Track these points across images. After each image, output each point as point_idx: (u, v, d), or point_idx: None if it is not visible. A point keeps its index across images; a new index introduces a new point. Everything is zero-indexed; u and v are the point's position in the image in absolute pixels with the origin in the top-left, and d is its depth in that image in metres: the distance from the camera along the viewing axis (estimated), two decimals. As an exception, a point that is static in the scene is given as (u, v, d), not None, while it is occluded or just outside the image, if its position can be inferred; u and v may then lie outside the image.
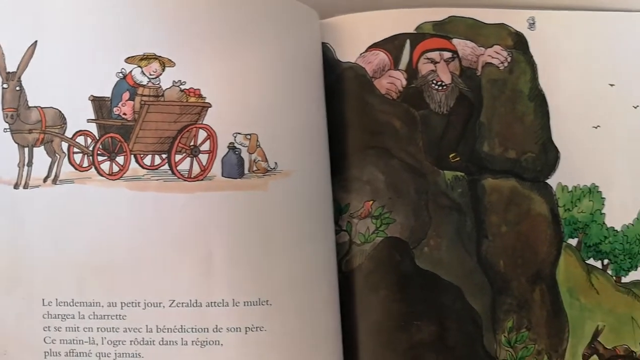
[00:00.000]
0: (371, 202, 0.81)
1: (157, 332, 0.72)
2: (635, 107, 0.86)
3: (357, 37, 0.83)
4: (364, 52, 0.83)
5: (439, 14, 0.84)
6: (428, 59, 0.84)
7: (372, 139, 0.81)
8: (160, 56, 0.73)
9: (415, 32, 0.84)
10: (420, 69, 0.84)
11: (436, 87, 0.83)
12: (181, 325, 0.72)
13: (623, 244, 0.84)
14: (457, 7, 0.84)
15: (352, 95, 0.82)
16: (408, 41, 0.84)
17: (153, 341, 0.72)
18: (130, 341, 0.72)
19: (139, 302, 0.72)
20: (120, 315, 0.72)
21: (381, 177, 0.81)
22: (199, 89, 0.74)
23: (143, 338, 0.72)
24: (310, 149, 0.77)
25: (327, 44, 0.83)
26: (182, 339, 0.72)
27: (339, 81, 0.82)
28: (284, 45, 0.78)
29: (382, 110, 0.82)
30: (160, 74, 0.74)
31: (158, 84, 0.73)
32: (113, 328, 0.72)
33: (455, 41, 0.85)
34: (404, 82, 0.83)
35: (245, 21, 0.76)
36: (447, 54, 0.84)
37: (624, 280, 0.84)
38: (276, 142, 0.75)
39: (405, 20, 0.84)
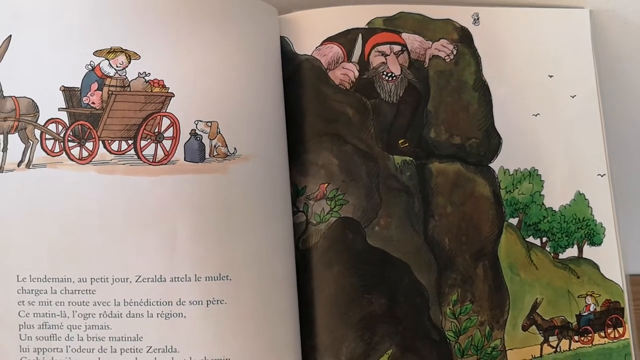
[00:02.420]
0: (326, 184, 0.82)
1: (125, 305, 0.73)
2: (572, 97, 0.87)
3: (313, 31, 0.84)
4: (319, 46, 0.84)
5: (389, 10, 0.85)
6: (379, 52, 0.85)
7: (327, 126, 0.83)
8: (126, 49, 0.74)
9: (367, 27, 0.85)
10: (371, 61, 0.85)
11: (386, 78, 0.85)
12: (147, 299, 0.73)
13: (560, 223, 0.86)
14: (406, 4, 0.84)
15: (308, 85, 0.84)
16: (360, 35, 0.85)
17: (120, 314, 0.73)
18: (100, 314, 0.73)
19: (107, 278, 0.73)
20: (90, 290, 0.73)
21: (335, 161, 0.82)
22: (162, 80, 0.75)
23: (111, 311, 0.73)
24: (269, 136, 0.78)
25: (285, 37, 0.84)
26: (147, 311, 0.73)
27: (296, 72, 0.84)
28: (245, 40, 0.79)
29: (336, 99, 0.83)
30: (127, 66, 0.75)
31: (124, 75, 0.75)
32: (83, 302, 0.73)
33: (404, 35, 0.86)
34: (357, 74, 0.84)
35: (208, 17, 0.76)
36: (397, 47, 0.86)
37: (561, 256, 0.85)
38: (236, 129, 0.76)
39: (358, 16, 0.85)
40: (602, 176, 0.85)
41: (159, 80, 0.74)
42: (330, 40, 0.85)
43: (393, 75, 0.86)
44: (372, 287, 0.81)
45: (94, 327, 0.73)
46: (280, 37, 0.83)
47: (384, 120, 0.84)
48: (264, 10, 0.81)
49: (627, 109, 0.92)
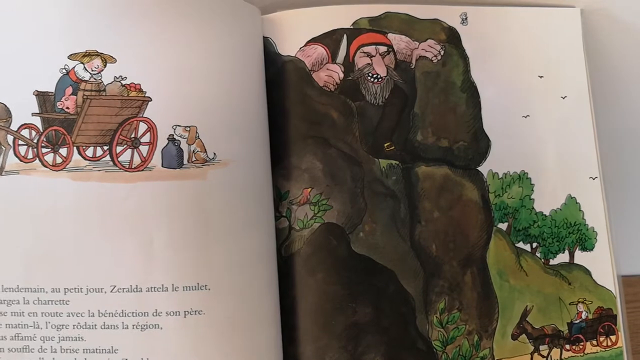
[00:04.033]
0: (309, 189, 0.80)
1: (99, 316, 0.71)
2: (563, 98, 0.86)
3: (297, 32, 0.83)
4: (303, 46, 0.82)
5: (375, 10, 0.83)
6: (364, 52, 0.83)
7: (311, 129, 0.81)
8: (102, 53, 0.72)
9: (352, 27, 0.83)
10: (356, 62, 0.83)
11: (372, 79, 0.83)
12: (122, 310, 0.71)
13: (551, 227, 0.84)
14: (392, 4, 0.83)
15: (292, 87, 0.82)
16: (345, 36, 0.83)
17: (95, 325, 0.71)
18: (73, 325, 0.71)
19: (81, 288, 0.71)
20: (63, 300, 0.71)
21: (319, 165, 0.80)
22: (139, 84, 0.73)
23: (85, 322, 0.71)
24: (250, 140, 0.77)
25: (268, 38, 0.82)
26: (123, 323, 0.71)
27: (279, 74, 0.82)
28: (226, 41, 0.77)
29: (321, 101, 0.82)
30: (102, 70, 0.73)
31: (100, 79, 0.72)
32: (57, 313, 0.71)
33: (390, 36, 0.84)
34: (341, 75, 0.83)
35: (187, 18, 0.75)
36: (383, 48, 0.84)
37: (552, 262, 0.84)
38: (215, 133, 0.74)
39: (343, 16, 0.83)
40: (593, 179, 0.83)
41: (135, 84, 0.72)
42: (314, 40, 0.83)
43: (379, 76, 0.84)
44: (356, 295, 0.79)
45: (67, 338, 0.71)
46: (263, 37, 0.82)
47: (369, 123, 0.83)
48: (246, 10, 0.80)
49: (620, 110, 0.90)
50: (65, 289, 0.71)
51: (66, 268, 0.71)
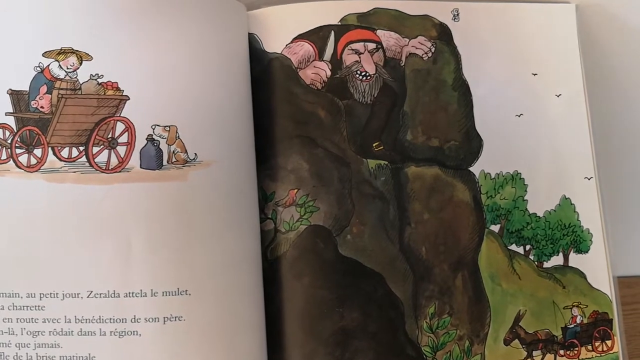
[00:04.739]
0: (296, 190, 0.78)
1: (76, 322, 0.68)
2: (557, 96, 0.84)
3: (283, 28, 0.80)
4: (289, 43, 0.80)
5: (364, 5, 0.81)
6: (352, 49, 0.81)
7: (297, 128, 0.78)
8: (77, 50, 0.70)
9: (339, 23, 0.81)
10: (344, 59, 0.81)
11: (360, 77, 0.81)
12: (99, 316, 0.68)
13: (545, 229, 0.82)
14: None
15: (278, 85, 0.79)
16: (333, 32, 0.81)
17: (72, 332, 0.69)
18: (49, 332, 0.68)
19: (57, 293, 0.69)
20: (39, 306, 0.69)
21: (306, 165, 0.78)
22: (116, 82, 0.71)
23: (62, 329, 0.69)
24: (234, 140, 0.74)
25: (254, 34, 0.80)
26: (100, 329, 0.69)
27: (265, 71, 0.80)
28: (209, 37, 0.75)
29: (307, 100, 0.79)
30: (78, 68, 0.71)
31: (75, 77, 0.70)
32: (32, 319, 0.69)
33: (379, 32, 0.82)
34: (329, 73, 0.80)
35: (168, 14, 0.73)
36: (371, 45, 0.81)
37: (546, 265, 0.82)
38: (197, 133, 0.72)
39: (330, 12, 0.81)
40: (589, 179, 0.82)
41: (112, 83, 0.70)
42: (301, 37, 0.81)
43: (367, 74, 0.81)
44: (343, 299, 0.76)
45: (43, 345, 0.69)
46: (249, 34, 0.80)
47: (358, 122, 0.80)
48: (231, 6, 0.77)
49: (615, 109, 0.89)
50: (40, 294, 0.69)
51: (41, 272, 0.69)
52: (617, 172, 0.91)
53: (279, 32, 0.81)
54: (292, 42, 0.81)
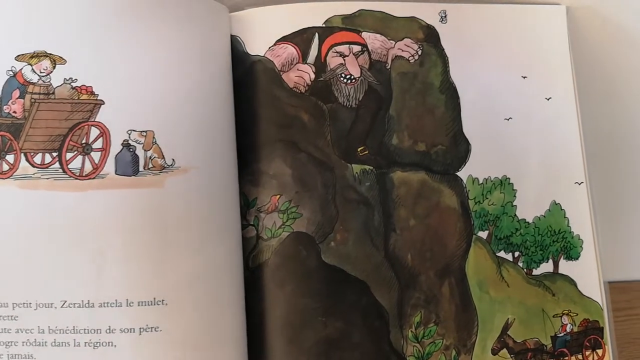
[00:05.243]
0: (278, 196, 0.76)
1: (49, 333, 0.67)
2: (547, 99, 0.82)
3: (266, 30, 0.78)
4: (272, 46, 0.78)
5: (349, 7, 0.79)
6: (337, 52, 0.79)
7: (280, 133, 0.76)
8: (51, 54, 0.69)
9: (324, 25, 0.79)
10: (328, 62, 0.79)
11: (345, 80, 0.79)
12: (73, 326, 0.67)
13: (534, 235, 0.80)
14: (367, 1, 0.79)
15: (260, 88, 0.78)
16: (317, 35, 0.79)
17: (45, 342, 0.67)
18: (22, 342, 0.67)
19: (30, 303, 0.67)
20: (11, 316, 0.67)
21: (288, 171, 0.76)
22: (91, 86, 0.69)
23: (35, 339, 0.67)
24: (214, 145, 0.72)
25: (236, 37, 0.78)
26: (74, 340, 0.67)
27: (247, 74, 0.78)
28: (189, 40, 0.73)
29: (290, 103, 0.77)
30: (51, 72, 0.69)
31: (49, 81, 0.69)
32: (5, 329, 0.67)
33: (364, 34, 0.80)
34: (313, 76, 0.78)
35: (147, 16, 0.71)
36: (357, 48, 0.80)
37: (535, 272, 0.80)
38: (174, 138, 0.70)
39: (315, 14, 0.79)
40: (579, 184, 0.80)
41: (87, 87, 0.69)
42: (284, 40, 0.79)
43: (352, 77, 0.79)
44: (327, 308, 0.74)
45: (17, 356, 0.67)
46: (231, 36, 0.78)
47: (342, 126, 0.78)
48: (212, 8, 0.75)
49: (607, 112, 0.88)
50: (13, 303, 0.67)
51: (14, 281, 0.67)
52: (608, 176, 0.90)
53: (262, 34, 0.79)
54: (275, 44, 0.79)
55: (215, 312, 0.71)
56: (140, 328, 0.68)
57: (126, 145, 0.70)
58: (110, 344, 0.67)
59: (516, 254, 0.81)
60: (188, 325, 0.69)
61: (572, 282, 0.81)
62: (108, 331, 0.67)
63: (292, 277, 0.75)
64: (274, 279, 0.75)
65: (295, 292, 0.74)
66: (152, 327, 0.68)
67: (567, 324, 0.81)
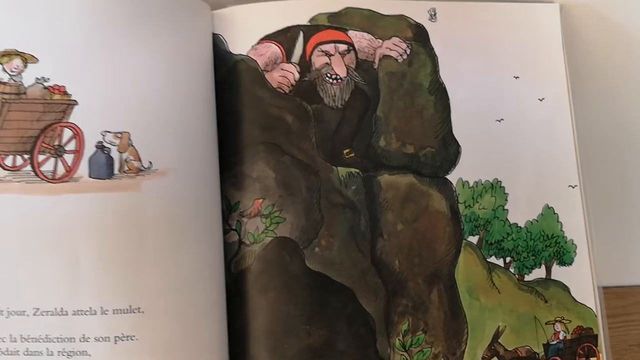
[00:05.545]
0: (261, 200, 0.74)
1: (22, 341, 0.65)
2: (540, 100, 0.80)
3: (250, 28, 0.76)
4: (256, 45, 0.76)
5: (335, 4, 0.77)
6: (322, 51, 0.77)
7: (263, 134, 0.74)
8: (22, 52, 0.67)
9: (309, 23, 0.77)
10: (313, 61, 0.77)
11: (330, 80, 0.77)
12: (46, 335, 0.65)
13: (526, 240, 0.78)
14: None
15: (243, 88, 0.75)
16: (301, 33, 0.77)
17: (17, 351, 0.65)
18: (-6, 351, 0.62)
19: (1, 311, 0.64)
20: (-18, 324, 0.62)
21: (272, 174, 0.74)
22: (64, 86, 0.67)
23: (7, 348, 0.65)
24: (194, 146, 0.70)
25: (219, 35, 0.76)
26: (47, 349, 0.65)
27: (230, 74, 0.75)
28: (168, 38, 0.70)
29: (274, 104, 0.75)
30: (23, 71, 0.67)
31: (20, 81, 0.67)
32: (-25, 338, 0.62)
33: (351, 33, 0.78)
34: (297, 76, 0.76)
35: (124, 13, 0.69)
36: (343, 47, 0.77)
37: (527, 278, 0.78)
38: (152, 139, 0.68)
39: (299, 12, 0.77)
40: (573, 187, 0.79)
41: (59, 86, 0.67)
42: (268, 38, 0.77)
43: (338, 77, 0.77)
44: (311, 316, 0.72)
45: (-13, 365, 0.62)
46: (213, 34, 0.76)
47: (327, 128, 0.76)
48: (193, 5, 0.73)
49: (602, 114, 0.86)
50: (-17, 311, 0.62)
51: (-16, 289, 0.62)
52: (603, 179, 0.88)
53: (245, 33, 0.77)
54: (258, 43, 0.77)
55: (195, 320, 0.69)
56: (115, 337, 0.66)
57: (100, 147, 0.67)
58: (85, 352, 0.65)
59: (507, 259, 0.79)
60: (165, 333, 0.67)
61: (566, 288, 0.79)
62: (82, 340, 0.65)
63: (275, 283, 0.73)
64: (257, 285, 0.73)
65: (278, 299, 0.72)
66: (127, 336, 0.66)
67: (559, 332, 0.79)
